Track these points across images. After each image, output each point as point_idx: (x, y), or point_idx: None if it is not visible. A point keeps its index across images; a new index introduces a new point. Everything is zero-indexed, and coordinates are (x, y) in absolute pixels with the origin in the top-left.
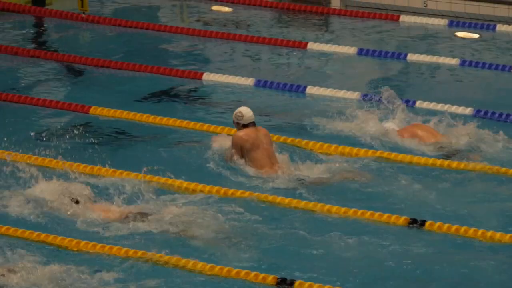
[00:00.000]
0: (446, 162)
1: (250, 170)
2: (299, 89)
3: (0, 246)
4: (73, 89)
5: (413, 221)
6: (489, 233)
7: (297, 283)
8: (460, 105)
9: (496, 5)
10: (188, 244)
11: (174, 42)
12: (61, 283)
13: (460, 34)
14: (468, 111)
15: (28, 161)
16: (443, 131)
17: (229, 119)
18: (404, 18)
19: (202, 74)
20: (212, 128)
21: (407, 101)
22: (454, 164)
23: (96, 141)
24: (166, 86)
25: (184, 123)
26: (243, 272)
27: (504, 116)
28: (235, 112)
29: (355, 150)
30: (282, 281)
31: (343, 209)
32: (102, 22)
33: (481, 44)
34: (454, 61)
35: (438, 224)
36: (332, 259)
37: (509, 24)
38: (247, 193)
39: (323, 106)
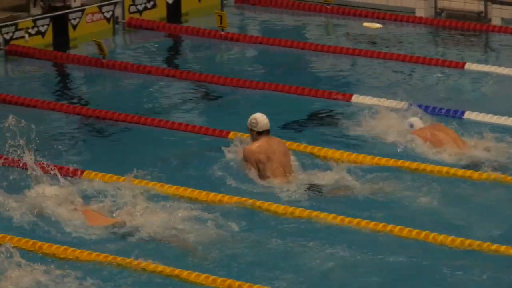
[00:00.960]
0: (472, 173)
1: (262, 181)
2: (456, 114)
3: None
4: (210, 112)
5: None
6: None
7: None
8: None
9: None
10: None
11: (319, 61)
12: None
13: None
14: None
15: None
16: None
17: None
18: None
19: (351, 96)
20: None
21: None
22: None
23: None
24: (311, 109)
25: (337, 153)
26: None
27: None
28: (250, 119)
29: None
30: None
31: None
32: (242, 40)
33: None
34: None
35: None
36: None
37: None
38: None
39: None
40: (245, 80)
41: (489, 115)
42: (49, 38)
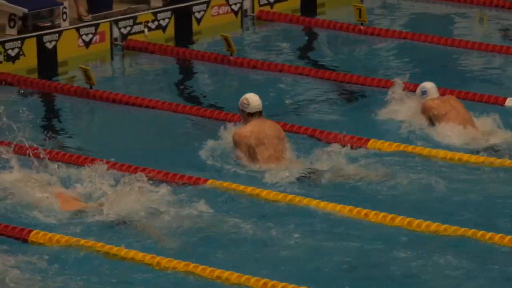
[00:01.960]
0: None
1: (253, 166)
2: None
3: None
4: (345, 114)
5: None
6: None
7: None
8: None
9: None
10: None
11: (468, 59)
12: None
13: None
14: None
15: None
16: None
17: None
18: None
19: (504, 99)
20: None
21: None
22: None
23: None
24: None
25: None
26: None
27: None
28: (241, 99)
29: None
30: None
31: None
32: (383, 35)
33: None
34: None
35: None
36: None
37: None
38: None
39: None
40: (386, 80)
41: None
42: (170, 32)
